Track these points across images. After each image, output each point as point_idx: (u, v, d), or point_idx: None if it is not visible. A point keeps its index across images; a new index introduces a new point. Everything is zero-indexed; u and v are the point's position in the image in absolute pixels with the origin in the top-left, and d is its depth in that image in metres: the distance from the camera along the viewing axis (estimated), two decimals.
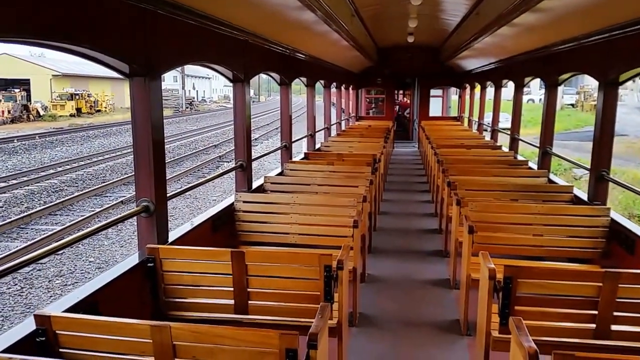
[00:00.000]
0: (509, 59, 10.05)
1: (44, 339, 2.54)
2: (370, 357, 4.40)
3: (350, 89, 18.26)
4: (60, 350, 2.57)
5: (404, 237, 7.95)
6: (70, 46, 3.03)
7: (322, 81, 12.33)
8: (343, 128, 16.04)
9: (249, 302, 3.63)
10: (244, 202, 5.52)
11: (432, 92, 19.70)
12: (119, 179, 18.13)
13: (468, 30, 9.59)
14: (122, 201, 14.77)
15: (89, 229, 3.66)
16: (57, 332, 2.55)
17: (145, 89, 3.74)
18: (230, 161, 22.18)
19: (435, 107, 20.27)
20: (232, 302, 3.65)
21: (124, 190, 16.51)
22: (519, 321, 2.57)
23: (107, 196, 15.85)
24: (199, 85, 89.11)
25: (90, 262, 10.19)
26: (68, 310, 2.90)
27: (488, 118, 13.70)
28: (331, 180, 6.87)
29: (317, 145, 11.21)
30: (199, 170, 20.43)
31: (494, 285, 3.49)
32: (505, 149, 10.63)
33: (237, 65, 5.69)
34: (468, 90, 17.86)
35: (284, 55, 7.64)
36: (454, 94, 24.12)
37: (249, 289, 3.62)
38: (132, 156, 3.95)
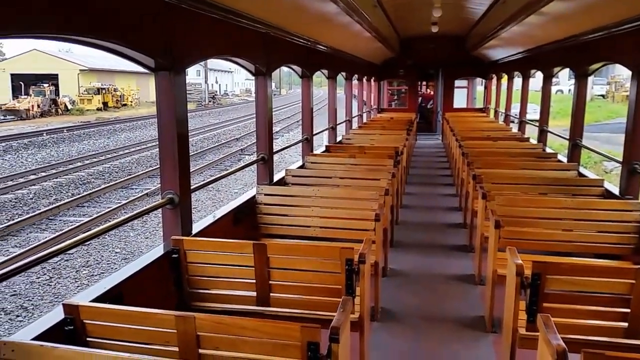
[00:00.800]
0: (537, 49, 9.84)
1: (72, 327, 2.59)
2: (392, 353, 4.38)
3: (372, 80, 18.14)
4: (88, 339, 2.62)
5: (427, 231, 7.89)
6: (97, 41, 3.07)
7: (343, 73, 12.28)
8: (365, 120, 15.96)
9: (271, 294, 3.65)
10: (266, 194, 5.54)
11: (457, 82, 19.39)
12: (144, 171, 18.40)
13: (494, 19, 9.42)
14: (147, 193, 14.98)
15: (115, 221, 3.72)
16: (84, 321, 2.60)
17: (170, 83, 3.77)
18: (252, 154, 22.30)
19: (459, 99, 19.96)
20: (254, 294, 3.67)
21: (149, 183, 16.74)
22: (547, 318, 2.51)
23: (132, 188, 16.10)
24: (222, 79, 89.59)
25: (116, 252, 10.37)
26: (95, 300, 2.96)
27: (515, 109, 13.46)
28: (352, 173, 6.84)
29: (339, 138, 11.18)
30: (221, 163, 20.59)
31: (521, 282, 3.43)
32: (534, 141, 10.43)
33: (259, 58, 5.70)
34: (494, 81, 17.57)
35: (306, 47, 7.63)
36: (479, 84, 23.75)
37: (270, 282, 3.63)
38: (157, 150, 4.00)
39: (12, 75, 51.91)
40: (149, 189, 15.67)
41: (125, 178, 17.27)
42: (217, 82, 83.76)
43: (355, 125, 14.46)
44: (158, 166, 4.38)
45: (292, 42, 6.84)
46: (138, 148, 24.75)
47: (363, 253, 3.57)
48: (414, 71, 19.04)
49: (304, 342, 2.34)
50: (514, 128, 13.26)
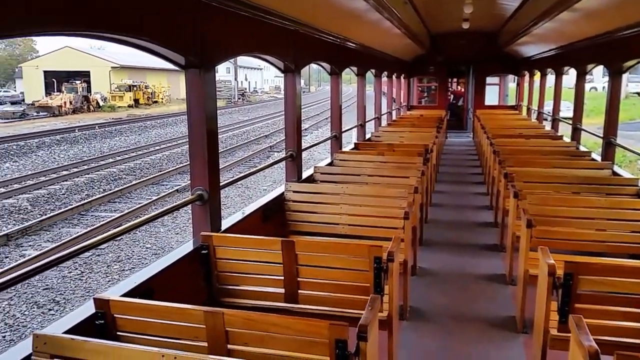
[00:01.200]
0: (570, 45, 9.62)
1: (102, 322, 2.63)
2: (420, 352, 4.34)
3: (402, 77, 17.99)
4: (118, 333, 2.65)
5: (457, 229, 7.78)
6: (129, 39, 3.11)
7: (373, 70, 12.20)
8: (394, 118, 15.85)
9: (299, 291, 3.65)
10: (294, 192, 5.54)
11: (488, 79, 19.11)
12: (174, 168, 18.65)
13: (526, 15, 9.23)
14: (177, 190, 15.18)
15: (146, 216, 3.77)
16: (115, 315, 2.64)
17: (199, 80, 3.80)
18: (281, 151, 22.38)
19: (491, 96, 19.65)
20: (282, 290, 3.68)
21: (179, 179, 16.97)
22: (579, 319, 2.46)
23: (163, 185, 16.33)
24: (251, 76, 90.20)
25: (147, 248, 10.54)
26: (125, 295, 3.00)
27: (548, 107, 13.18)
28: (381, 170, 6.79)
29: (367, 136, 11.13)
30: (250, 160, 20.73)
31: (553, 282, 3.36)
32: (567, 139, 10.21)
33: (288, 55, 5.70)
34: (527, 78, 17.23)
35: (335, 44, 7.60)
36: (511, 81, 23.33)
37: (298, 278, 3.63)
38: (186, 146, 4.03)
39: (45, 72, 53.23)
40: (179, 185, 15.88)
41: (156, 174, 17.54)
42: (246, 79, 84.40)
43: (384, 122, 14.37)
44: (188, 163, 4.42)
45: (321, 39, 6.82)
46: (168, 145, 25.10)
47: (392, 251, 3.54)
48: (444, 68, 18.81)
49: (331, 340, 2.33)
50: (547, 126, 13.00)
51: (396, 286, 3.70)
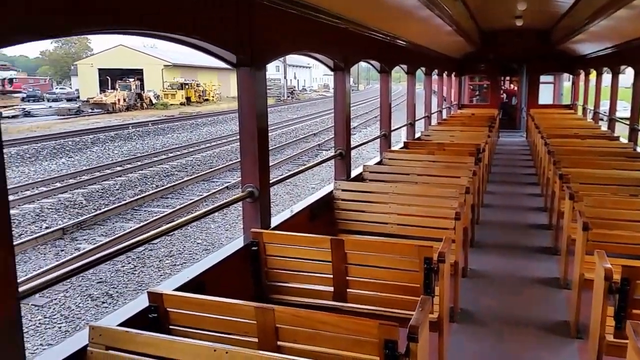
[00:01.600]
0: (627, 44, 9.23)
1: (155, 315, 2.70)
2: (471, 355, 4.25)
3: (453, 75, 17.68)
4: (170, 326, 2.71)
5: (509, 231, 7.59)
6: (182, 37, 3.17)
7: (423, 68, 12.04)
8: (444, 116, 15.60)
9: (348, 290, 3.64)
10: (343, 190, 5.53)
11: (542, 78, 18.52)
12: (224, 165, 18.98)
13: (581, 12, 8.89)
14: (227, 186, 15.44)
15: (199, 212, 3.85)
16: (168, 309, 2.70)
17: (251, 78, 3.84)
18: (329, 150, 22.42)
19: (545, 95, 19.05)
20: (331, 289, 3.68)
21: (229, 176, 17.25)
22: (636, 325, 2.35)
23: (213, 181, 16.65)
24: (300, 74, 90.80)
25: (197, 243, 10.77)
26: (178, 289, 3.06)
27: (604, 106, 12.67)
28: (431, 170, 6.69)
29: (417, 134, 10.99)
30: (298, 158, 20.85)
31: (610, 287, 3.24)
32: (624, 140, 9.79)
33: (338, 53, 5.69)
34: (582, 77, 16.61)
35: (384, 42, 7.53)
36: (566, 80, 22.54)
37: (347, 277, 3.62)
38: (236, 144, 4.08)
39: (99, 70, 55.20)
40: (229, 182, 16.14)
41: (206, 171, 17.89)
42: (295, 77, 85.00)
43: (434, 121, 14.17)
44: (237, 160, 4.47)
45: (371, 37, 6.78)
46: (219, 142, 25.56)
47: (443, 252, 3.47)
48: (496, 66, 18.36)
49: (381, 340, 2.31)
50: (603, 126, 12.51)
51: (447, 287, 3.64)
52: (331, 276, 3.65)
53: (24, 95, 52.99)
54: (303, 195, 14.32)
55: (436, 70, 14.21)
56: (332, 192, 5.54)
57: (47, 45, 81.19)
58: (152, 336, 2.32)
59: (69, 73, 75.65)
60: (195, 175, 17.15)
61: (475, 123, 12.85)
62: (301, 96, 69.25)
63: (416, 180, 6.53)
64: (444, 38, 10.86)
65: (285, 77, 63.45)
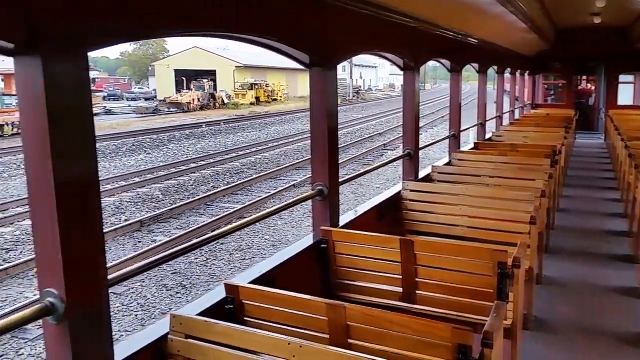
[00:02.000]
0: None
1: (232, 307, 2.80)
2: None
3: (526, 75, 17.07)
4: (245, 318, 2.81)
5: (586, 237, 7.26)
6: (260, 39, 3.27)
7: (494, 67, 11.72)
8: (517, 117, 15.09)
9: (417, 292, 3.62)
10: (411, 191, 5.49)
11: (622, 78, 17.54)
12: (291, 163, 19.27)
13: None
14: (294, 185, 15.68)
15: (271, 209, 3.96)
16: (243, 301, 2.80)
17: (322, 78, 3.90)
18: (394, 150, 22.25)
19: (625, 95, 18.03)
20: (399, 290, 3.67)
21: (295, 175, 17.50)
22: None
23: (281, 179, 16.96)
24: (366, 74, 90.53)
25: (265, 239, 11.01)
26: (252, 283, 3.16)
27: None
28: (503, 172, 6.51)
29: (488, 135, 10.71)
30: (363, 158, 20.83)
31: None
32: None
33: (408, 52, 5.66)
34: None
35: (455, 40, 7.40)
36: None
37: (417, 279, 3.60)
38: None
39: (175, 70, 57.44)
40: (295, 180, 16.38)
41: (274, 169, 18.24)
42: (361, 77, 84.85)
43: (506, 122, 13.75)
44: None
45: (441, 35, 6.68)
46: (286, 141, 25.97)
47: (518, 257, 3.39)
48: (572, 64, 17.54)
49: (454, 344, 2.28)
50: None
51: (522, 294, 3.54)
52: (400, 277, 3.64)
53: (105, 94, 56.15)
54: (368, 195, 14.29)
55: (509, 69, 13.78)
56: (400, 192, 5.51)
57: (127, 47, 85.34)
58: (229, 327, 2.41)
59: (147, 73, 79.25)
60: (264, 173, 17.53)
61: (550, 124, 12.35)
62: (367, 96, 69.02)
63: (487, 182, 6.37)
64: (517, 35, 10.52)
65: (351, 77, 63.46)
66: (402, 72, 5.96)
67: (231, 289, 2.80)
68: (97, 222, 2.16)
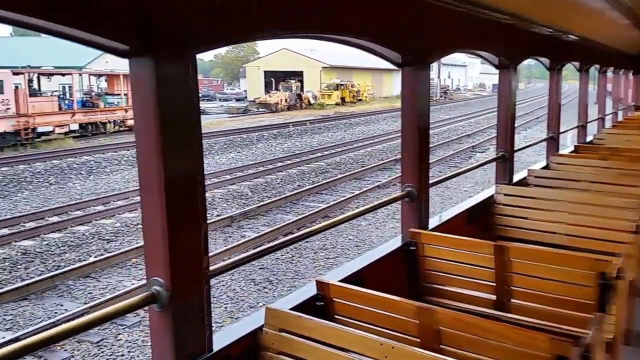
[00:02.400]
0: None
1: (322, 304, 2.85)
2: None
3: (631, 74, 15.90)
4: (335, 316, 2.84)
5: None
6: (355, 40, 3.29)
7: (596, 66, 11.03)
8: (619, 119, 14.12)
9: (511, 300, 3.49)
10: (505, 195, 5.29)
11: None
12: (375, 164, 19.22)
13: None
14: (378, 185, 15.62)
15: (359, 209, 3.98)
16: (333, 298, 2.83)
17: (415, 78, 3.86)
18: (483, 152, 21.55)
19: None
20: (491, 297, 3.56)
21: (380, 176, 17.43)
22: None
23: (365, 180, 16.96)
24: (455, 73, 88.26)
25: (349, 239, 11.06)
26: (341, 281, 3.20)
27: None
28: (604, 177, 6.11)
29: (589, 138, 10.11)
30: (450, 160, 20.35)
31: None
32: None
33: (503, 50, 5.47)
34: None
35: (553, 37, 7.04)
36: None
37: (512, 287, 3.47)
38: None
39: (264, 72, 59.08)
40: (380, 181, 16.31)
41: (359, 170, 18.27)
42: (449, 76, 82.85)
43: (608, 124, 12.90)
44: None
45: (539, 32, 6.38)
46: (371, 141, 25.92)
47: (622, 268, 3.18)
48: None
49: (552, 355, 2.19)
50: None
51: (624, 307, 3.32)
52: (493, 284, 3.53)
53: (200, 94, 58.73)
54: (455, 197, 13.96)
55: (611, 68, 12.92)
56: (492, 196, 5.33)
57: (220, 49, 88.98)
58: (321, 323, 2.46)
59: (238, 75, 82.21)
60: (348, 173, 17.60)
61: None
62: (455, 96, 67.27)
63: (587, 187, 6.02)
64: (620, 32, 9.82)
65: (439, 77, 62.14)
66: (495, 71, 5.78)
67: (322, 286, 2.85)
68: (202, 215, 2.27)
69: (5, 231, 11.65)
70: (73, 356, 6.89)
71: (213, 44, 2.31)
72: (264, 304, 8.29)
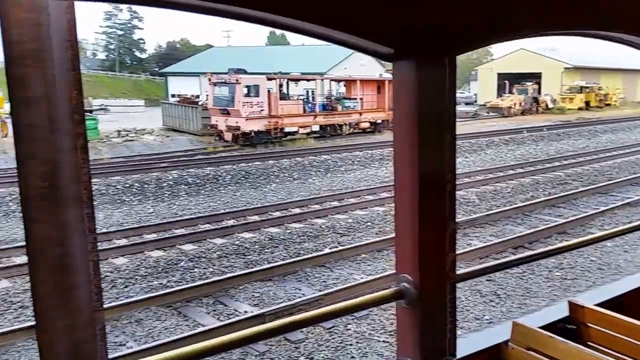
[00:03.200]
0: None
1: (574, 327, 2.65)
2: None
3: None
4: (588, 342, 2.62)
5: None
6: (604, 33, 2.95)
7: None
8: None
9: None
10: None
11: None
12: (625, 178, 17.01)
13: None
14: (628, 203, 13.79)
15: (610, 231, 3.58)
16: (588, 324, 2.62)
17: None
18: None
19: None
20: None
21: (631, 192, 15.36)
22: None
23: (612, 195, 15.12)
24: None
25: (591, 260, 9.99)
26: (597, 305, 2.93)
27: None
28: None
29: None
30: None
31: None
32: None
33: None
34: None
35: None
36: None
37: None
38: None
39: (498, 74, 56.63)
40: (630, 197, 14.37)
41: (604, 183, 16.37)
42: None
43: None
44: None
45: None
46: (620, 152, 23.00)
47: None
48: None
49: None
50: None
51: None
52: None
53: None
54: None
55: None
56: None
57: None
58: (577, 348, 2.29)
59: (469, 78, 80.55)
60: (591, 187, 15.89)
61: None
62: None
63: None
64: None
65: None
66: None
67: (575, 308, 2.65)
68: (451, 217, 2.29)
69: (256, 218, 13.37)
70: (307, 337, 7.56)
71: (473, 45, 2.32)
72: (490, 319, 8.03)
